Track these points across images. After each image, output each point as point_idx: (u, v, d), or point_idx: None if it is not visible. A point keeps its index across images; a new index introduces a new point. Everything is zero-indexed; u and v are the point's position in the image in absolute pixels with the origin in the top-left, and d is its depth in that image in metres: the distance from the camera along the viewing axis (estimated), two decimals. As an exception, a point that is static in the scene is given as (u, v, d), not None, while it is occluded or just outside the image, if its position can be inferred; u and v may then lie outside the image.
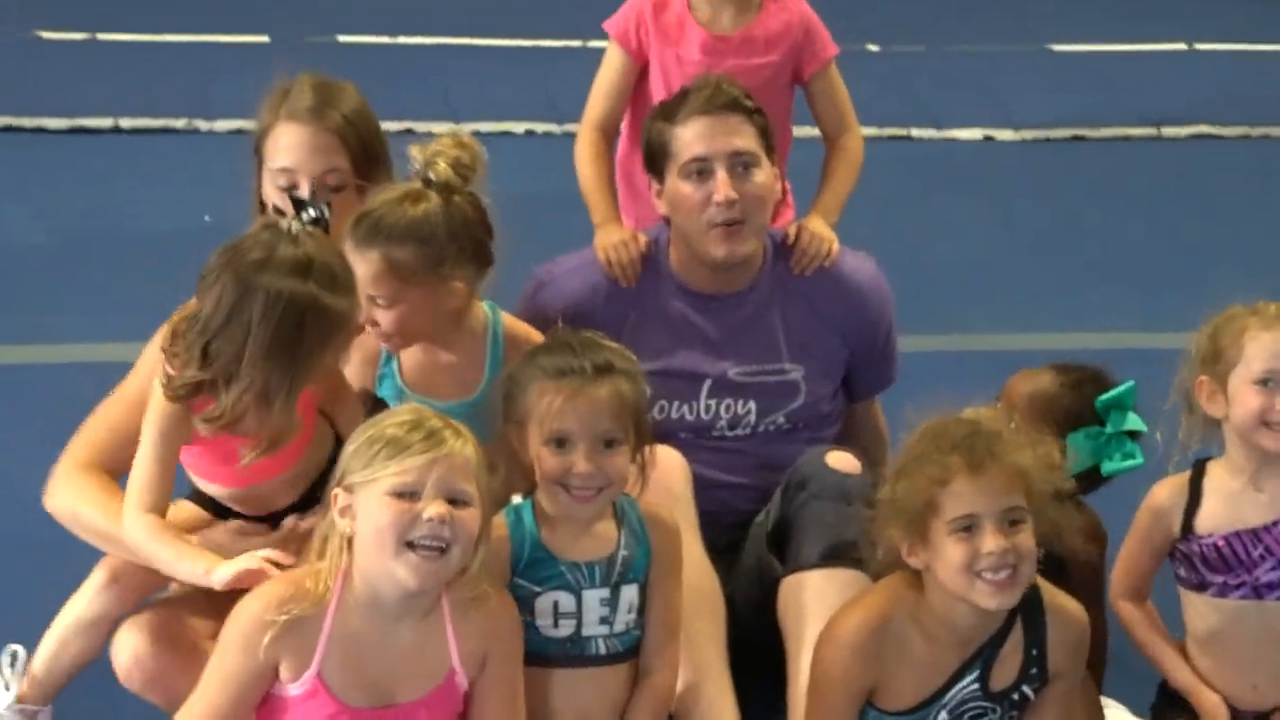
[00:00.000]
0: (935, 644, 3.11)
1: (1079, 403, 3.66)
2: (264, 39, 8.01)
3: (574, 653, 3.22)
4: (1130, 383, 3.66)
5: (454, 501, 2.96)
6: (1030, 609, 3.13)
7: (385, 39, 8.12)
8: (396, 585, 2.97)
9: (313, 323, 3.18)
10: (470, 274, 3.56)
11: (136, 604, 3.40)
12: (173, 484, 3.29)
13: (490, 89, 7.60)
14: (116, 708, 3.55)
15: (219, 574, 3.13)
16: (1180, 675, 3.46)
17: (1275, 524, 3.39)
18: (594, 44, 4.29)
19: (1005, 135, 7.49)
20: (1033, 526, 3.05)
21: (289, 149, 3.67)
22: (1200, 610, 3.44)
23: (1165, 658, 3.48)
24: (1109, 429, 3.64)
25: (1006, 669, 3.12)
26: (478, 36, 8.28)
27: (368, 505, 2.96)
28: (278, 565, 3.09)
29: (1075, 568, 3.66)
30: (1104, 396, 3.64)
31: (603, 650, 3.24)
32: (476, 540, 3.00)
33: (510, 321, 3.68)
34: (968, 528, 3.02)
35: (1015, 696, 3.13)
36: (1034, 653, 3.13)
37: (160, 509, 3.25)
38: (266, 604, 2.99)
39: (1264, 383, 3.34)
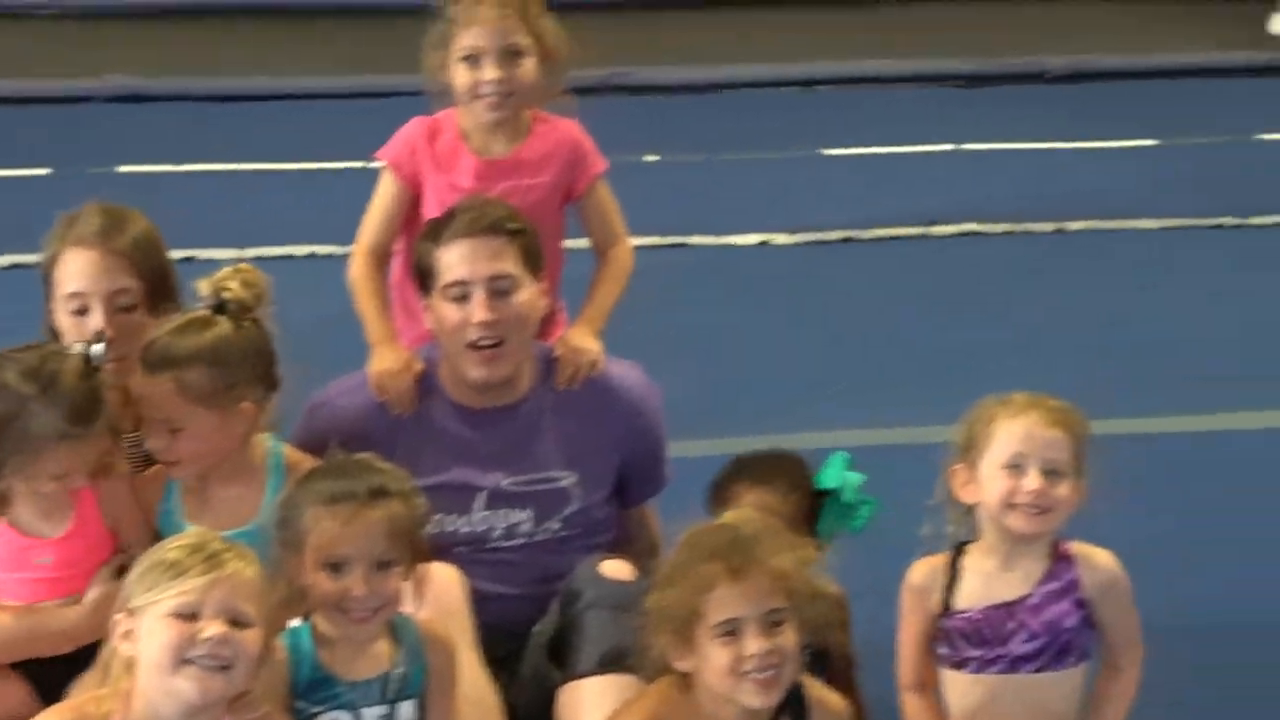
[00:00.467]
0: None
1: (804, 501, 3.83)
2: (45, 171, 8.01)
3: None
4: (838, 454, 3.86)
5: (235, 622, 3.01)
6: (795, 704, 3.22)
7: (167, 167, 8.14)
8: (178, 702, 3.00)
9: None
10: (259, 396, 3.64)
11: None
12: None
13: (274, 213, 7.65)
14: None
15: None
16: None
17: (1026, 598, 3.53)
18: (375, 165, 4.35)
19: (781, 239, 7.67)
20: (795, 624, 3.14)
21: (78, 274, 3.74)
22: (961, 688, 3.56)
23: None
24: (844, 498, 3.83)
25: None
26: (261, 161, 8.33)
27: (149, 627, 3.00)
28: None
29: (832, 659, 3.80)
30: (823, 478, 3.84)
31: None
32: (258, 661, 3.05)
33: (290, 452, 3.76)
34: (731, 631, 3.10)
35: None
36: None
37: None
38: None
39: (1011, 467, 3.49)
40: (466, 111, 4.24)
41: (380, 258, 4.29)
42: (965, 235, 7.74)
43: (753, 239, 7.65)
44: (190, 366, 3.55)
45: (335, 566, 3.23)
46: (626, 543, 4.07)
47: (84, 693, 3.15)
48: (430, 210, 4.21)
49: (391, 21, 8.94)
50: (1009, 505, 3.49)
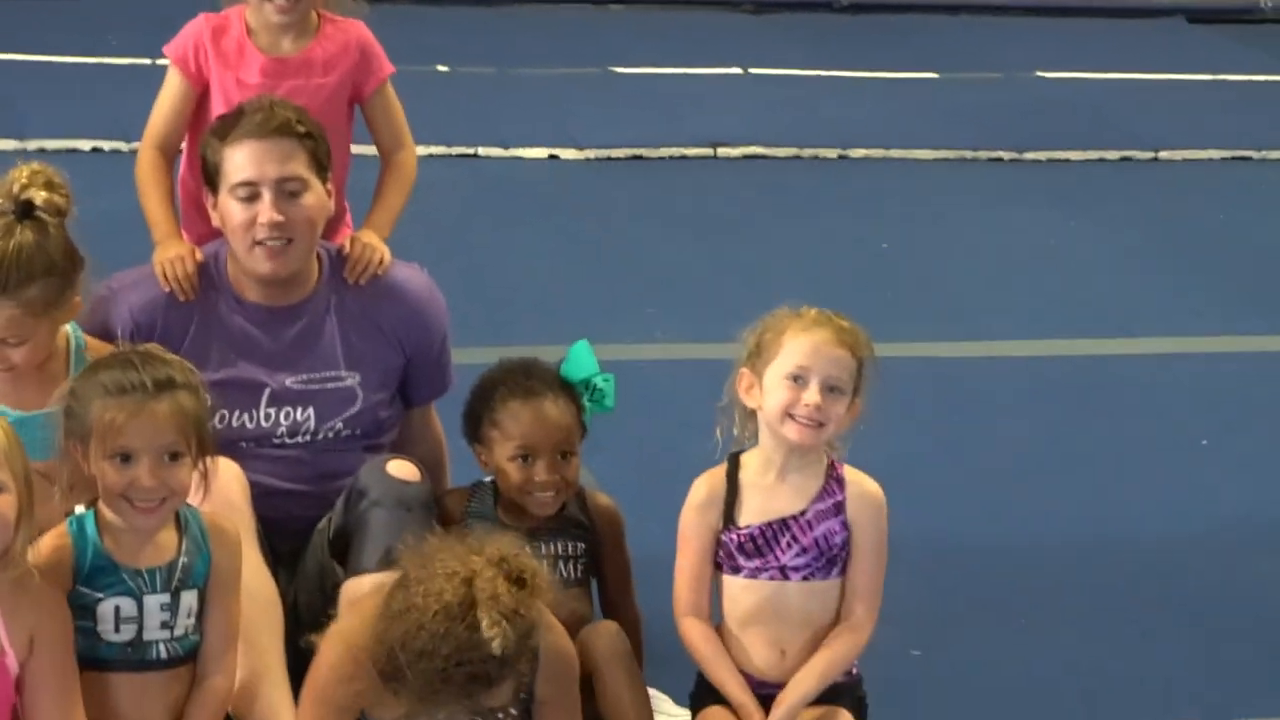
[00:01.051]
0: None
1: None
2: None
3: (135, 658, 3.30)
4: (579, 343, 3.94)
5: None
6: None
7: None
8: None
9: None
10: (82, 289, 3.67)
11: None
12: None
13: (58, 107, 7.55)
14: None
15: None
16: (734, 694, 3.62)
17: (801, 514, 3.63)
18: (162, 62, 4.32)
19: (569, 154, 7.73)
20: None
21: None
22: (733, 593, 3.65)
23: (722, 674, 3.63)
24: (585, 381, 3.91)
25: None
26: (44, 53, 8.20)
27: None
28: None
29: (608, 573, 3.92)
30: (573, 369, 3.92)
31: (163, 655, 3.32)
32: (16, 523, 3.08)
33: (91, 341, 3.77)
34: None
35: None
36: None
37: None
38: None
39: (794, 379, 3.58)
40: (255, 10, 4.24)
41: (167, 153, 4.26)
42: (751, 159, 7.89)
43: (541, 153, 7.72)
44: (28, 286, 3.56)
45: (123, 457, 3.24)
46: (410, 443, 4.12)
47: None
48: (217, 106, 4.20)
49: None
50: (787, 414, 3.58)
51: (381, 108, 4.36)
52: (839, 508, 3.64)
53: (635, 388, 4.73)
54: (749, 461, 3.68)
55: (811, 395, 3.56)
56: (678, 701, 3.90)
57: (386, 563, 3.63)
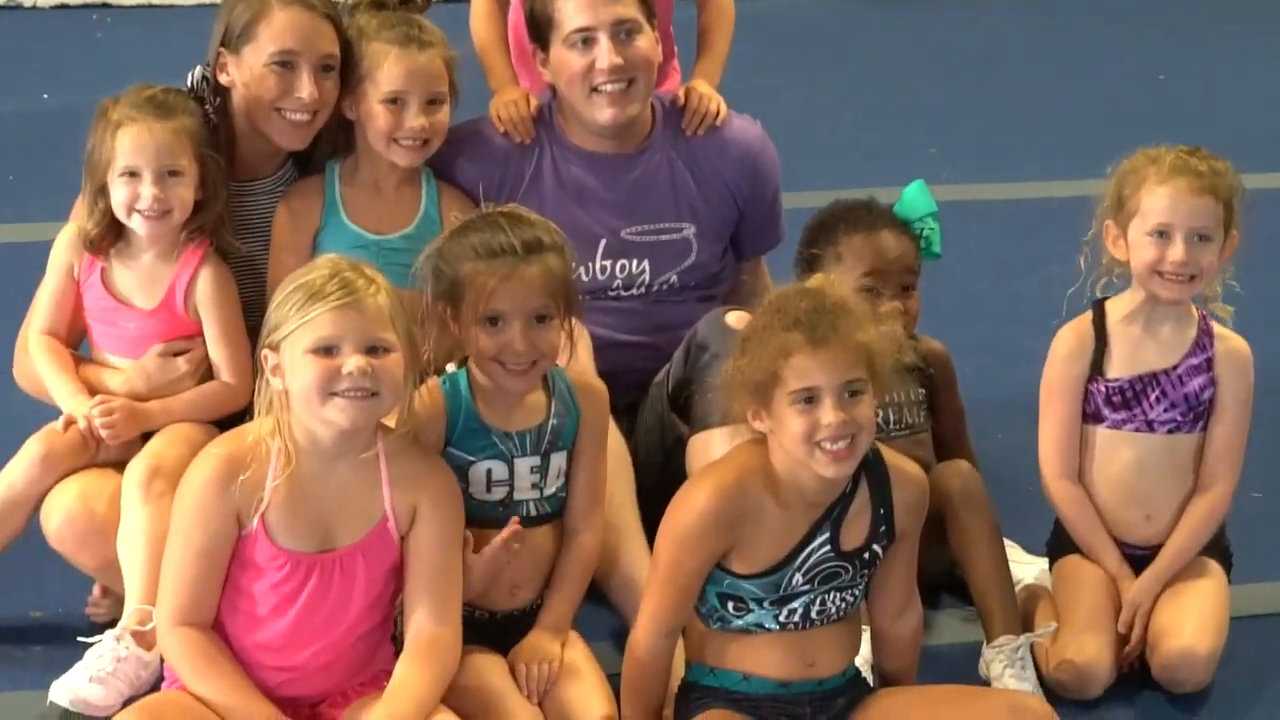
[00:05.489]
0: (785, 508, 3.16)
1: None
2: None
3: (506, 516, 3.29)
4: (915, 182, 3.84)
5: (373, 349, 3.02)
6: (874, 473, 3.21)
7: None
8: (331, 429, 3.04)
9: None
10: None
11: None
12: (68, 315, 3.59)
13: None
14: (41, 582, 3.63)
15: (66, 413, 3.50)
16: (1109, 562, 3.58)
17: (1173, 369, 3.55)
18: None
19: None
20: (872, 397, 3.09)
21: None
22: (1097, 443, 3.58)
23: (1097, 542, 3.59)
24: (918, 220, 3.82)
25: (856, 529, 3.19)
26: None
27: (292, 363, 3.02)
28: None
29: (942, 414, 3.84)
30: (900, 204, 3.83)
31: (533, 513, 3.32)
32: (404, 380, 3.06)
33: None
34: (809, 399, 3.07)
35: (866, 555, 3.20)
36: (882, 512, 3.21)
37: (55, 331, 3.60)
38: (211, 474, 3.05)
39: (1158, 234, 3.48)
40: None
41: (503, 3, 4.26)
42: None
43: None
44: (440, 46, 3.75)
45: (493, 320, 3.22)
46: (742, 295, 4.08)
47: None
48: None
49: None
50: (1155, 272, 3.49)
51: None
52: (1209, 363, 3.56)
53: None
54: (1115, 309, 3.60)
55: (1176, 252, 3.47)
56: (1026, 549, 3.85)
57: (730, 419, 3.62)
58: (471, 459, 3.27)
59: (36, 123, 5.66)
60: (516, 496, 3.31)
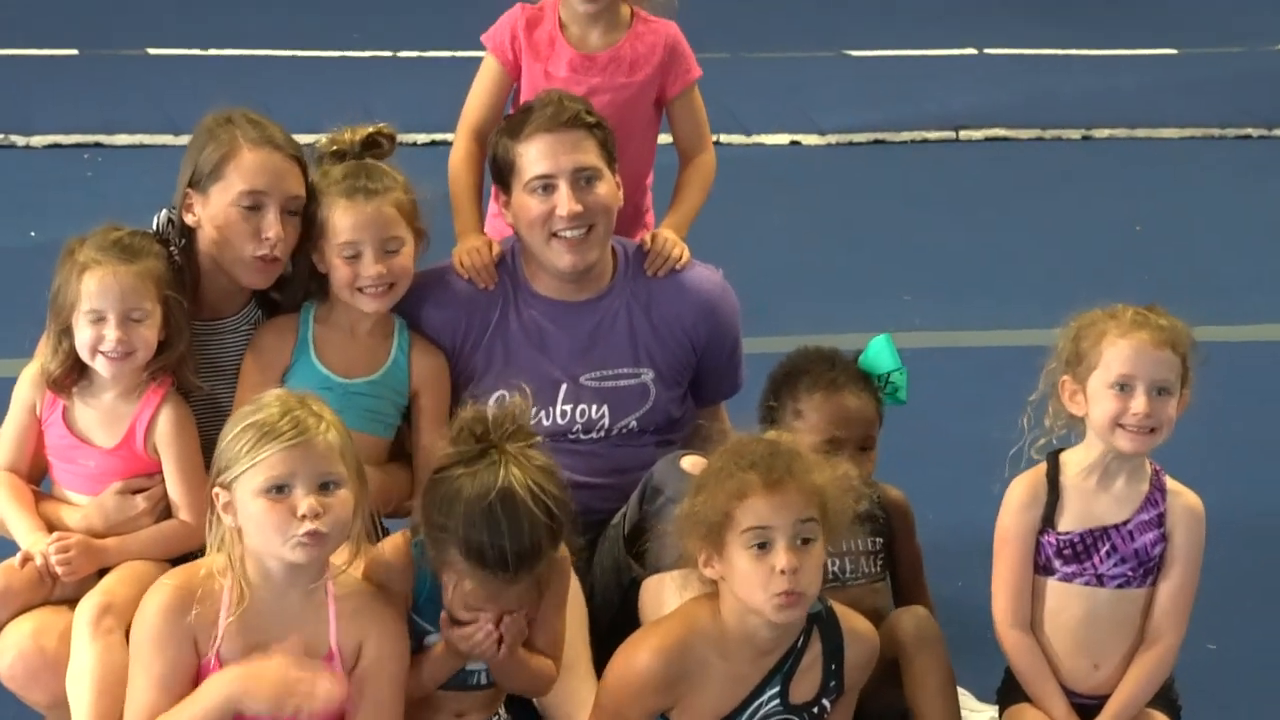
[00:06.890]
0: (734, 660, 3.19)
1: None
2: (73, 52, 7.99)
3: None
4: (880, 336, 3.90)
5: (325, 486, 3.09)
6: (827, 626, 3.25)
7: (196, 51, 8.14)
8: (285, 565, 3.12)
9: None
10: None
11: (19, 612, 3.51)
12: (30, 452, 3.64)
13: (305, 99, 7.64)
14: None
15: (24, 550, 3.52)
16: (1057, 711, 3.56)
17: (1124, 524, 3.55)
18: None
19: (811, 140, 7.69)
20: (823, 543, 3.15)
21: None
22: (1043, 592, 3.58)
23: (1046, 691, 3.57)
24: (883, 375, 3.88)
25: (806, 683, 3.23)
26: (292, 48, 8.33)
27: (244, 503, 3.08)
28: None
29: (900, 562, 3.86)
30: (876, 362, 3.88)
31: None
32: (353, 516, 3.14)
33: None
34: (762, 545, 3.12)
35: (815, 710, 3.23)
36: (833, 667, 3.25)
37: (16, 468, 3.63)
38: (165, 603, 3.12)
39: (1120, 387, 3.48)
40: (565, 2, 4.26)
41: (483, 139, 4.26)
42: (993, 140, 7.80)
43: (783, 139, 7.68)
44: (391, 193, 3.80)
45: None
46: (701, 439, 4.11)
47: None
48: (524, 97, 4.22)
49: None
50: (1117, 424, 3.49)
51: (686, 109, 4.36)
52: (1161, 519, 3.56)
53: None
54: (1070, 462, 3.59)
55: (1139, 404, 3.46)
56: (979, 697, 3.87)
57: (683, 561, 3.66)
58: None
59: (19, 259, 5.73)
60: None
